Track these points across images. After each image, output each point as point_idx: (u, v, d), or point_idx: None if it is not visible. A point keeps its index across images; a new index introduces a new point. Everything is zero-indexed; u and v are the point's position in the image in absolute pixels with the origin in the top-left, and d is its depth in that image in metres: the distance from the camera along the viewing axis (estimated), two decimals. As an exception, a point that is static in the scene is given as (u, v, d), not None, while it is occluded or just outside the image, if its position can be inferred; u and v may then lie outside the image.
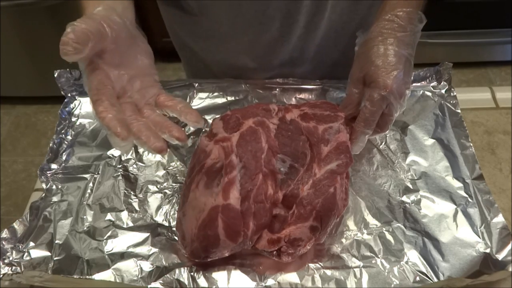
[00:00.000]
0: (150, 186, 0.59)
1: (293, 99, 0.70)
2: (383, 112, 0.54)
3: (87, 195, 0.58)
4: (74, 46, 0.43)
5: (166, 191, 0.59)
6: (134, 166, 0.61)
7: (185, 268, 0.51)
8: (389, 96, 0.52)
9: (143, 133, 0.45)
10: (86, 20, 0.45)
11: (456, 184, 0.58)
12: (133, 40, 0.50)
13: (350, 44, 0.61)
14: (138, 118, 0.47)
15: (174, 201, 0.58)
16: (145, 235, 0.54)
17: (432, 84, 0.70)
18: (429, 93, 0.69)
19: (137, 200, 0.58)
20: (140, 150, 0.63)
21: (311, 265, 0.52)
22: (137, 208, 0.57)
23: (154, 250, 0.53)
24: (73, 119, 0.67)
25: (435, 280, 0.50)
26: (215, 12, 0.67)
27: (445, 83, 0.70)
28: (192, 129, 0.65)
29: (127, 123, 0.45)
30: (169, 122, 0.48)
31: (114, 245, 0.53)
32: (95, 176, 0.60)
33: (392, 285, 0.50)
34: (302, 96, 0.70)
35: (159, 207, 0.57)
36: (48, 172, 0.60)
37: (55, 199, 0.58)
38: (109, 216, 0.56)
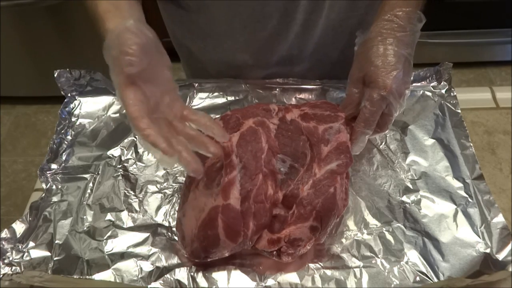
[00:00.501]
0: (150, 186, 0.59)
1: (293, 99, 0.70)
2: (382, 112, 0.54)
3: (87, 195, 0.58)
4: (138, 56, 0.44)
5: (166, 191, 0.59)
6: (134, 166, 0.61)
7: (185, 268, 0.51)
8: (388, 96, 0.52)
9: (182, 154, 0.46)
10: (131, 33, 0.46)
11: (456, 184, 0.58)
12: (160, 54, 0.50)
13: (348, 43, 0.61)
14: (175, 135, 0.48)
15: (174, 201, 0.58)
16: (145, 235, 0.54)
17: (432, 84, 0.70)
18: (429, 93, 0.69)
19: (137, 200, 0.58)
20: (140, 150, 0.63)
21: (311, 265, 0.52)
22: (137, 208, 0.57)
23: (154, 250, 0.53)
24: (73, 119, 0.67)
25: (435, 280, 0.50)
26: (213, 10, 0.67)
27: (445, 83, 0.70)
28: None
29: (169, 139, 0.46)
30: (204, 137, 0.49)
31: (114, 245, 0.53)
32: (95, 176, 0.60)
33: (392, 285, 0.50)
34: (302, 96, 0.70)
35: (159, 207, 0.57)
36: (48, 172, 0.60)
37: (55, 199, 0.58)
38: (109, 216, 0.56)
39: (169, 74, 0.51)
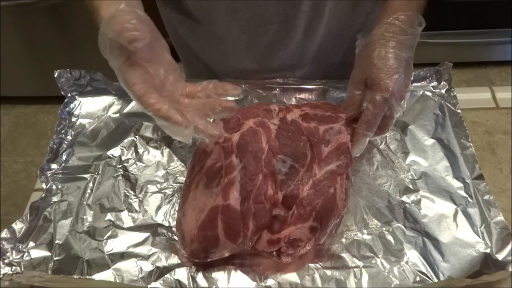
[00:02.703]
0: (150, 186, 0.59)
1: (293, 99, 0.70)
2: (384, 114, 0.54)
3: (87, 195, 0.58)
4: (141, 30, 0.42)
5: (166, 191, 0.59)
6: (134, 166, 0.61)
7: (185, 268, 0.51)
8: (391, 99, 0.53)
9: (198, 121, 0.44)
10: (127, 13, 0.43)
11: (456, 184, 0.58)
12: (157, 35, 0.49)
13: (349, 50, 0.61)
14: (185, 109, 0.46)
15: (174, 201, 0.58)
16: (145, 235, 0.54)
17: (432, 84, 0.70)
18: (429, 93, 0.69)
19: (137, 200, 0.58)
20: (140, 150, 0.63)
21: (311, 265, 0.52)
22: (137, 208, 0.57)
23: (154, 250, 0.53)
24: (73, 119, 0.67)
25: (435, 280, 0.50)
26: (212, 14, 0.67)
27: (445, 83, 0.70)
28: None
29: (181, 111, 0.44)
30: (215, 98, 0.47)
31: (114, 245, 0.53)
32: (95, 176, 0.60)
33: (392, 285, 0.50)
34: (302, 96, 0.70)
35: (159, 207, 0.57)
36: (48, 172, 0.60)
37: (55, 199, 0.58)
38: (109, 216, 0.56)
39: (168, 56, 0.50)
